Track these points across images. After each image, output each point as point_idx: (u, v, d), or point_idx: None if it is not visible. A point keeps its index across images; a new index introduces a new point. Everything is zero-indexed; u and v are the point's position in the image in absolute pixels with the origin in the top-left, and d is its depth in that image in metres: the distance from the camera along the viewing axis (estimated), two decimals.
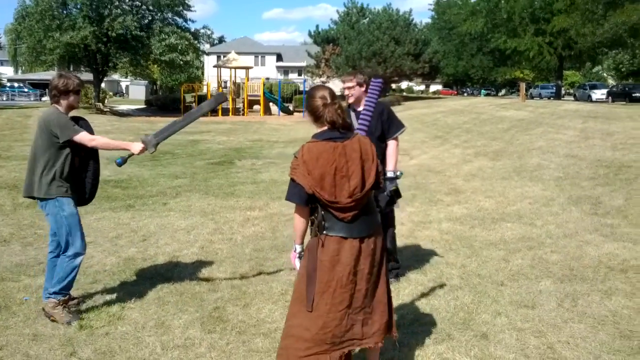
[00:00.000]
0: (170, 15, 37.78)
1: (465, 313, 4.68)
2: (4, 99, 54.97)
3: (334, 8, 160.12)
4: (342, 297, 3.11)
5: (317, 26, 51.97)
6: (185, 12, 38.18)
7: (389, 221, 5.44)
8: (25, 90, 63.54)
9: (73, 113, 4.64)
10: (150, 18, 37.28)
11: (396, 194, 5.12)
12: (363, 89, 5.03)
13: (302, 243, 3.29)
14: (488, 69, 50.75)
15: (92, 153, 4.69)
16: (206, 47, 56.09)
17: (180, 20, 38.34)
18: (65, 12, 34.52)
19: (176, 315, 4.61)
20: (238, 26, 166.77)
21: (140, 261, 6.12)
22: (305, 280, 3.14)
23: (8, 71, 67.26)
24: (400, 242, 6.71)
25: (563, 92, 46.79)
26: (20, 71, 59.32)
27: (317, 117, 3.19)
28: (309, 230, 3.28)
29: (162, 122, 29.36)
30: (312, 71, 51.39)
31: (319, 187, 3.04)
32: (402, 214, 8.15)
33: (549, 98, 42.12)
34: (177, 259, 6.20)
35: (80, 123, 4.60)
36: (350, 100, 5.05)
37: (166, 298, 5.00)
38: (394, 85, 54.23)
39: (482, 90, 65.51)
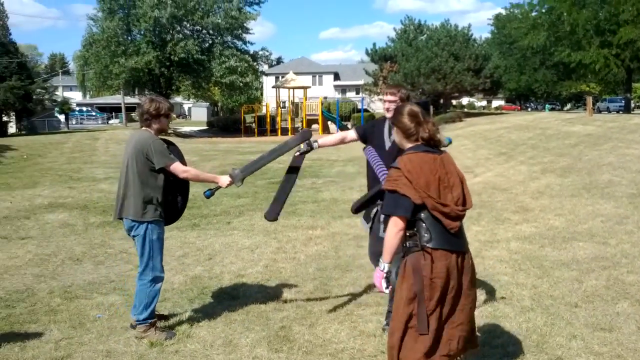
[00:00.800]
0: (229, 38, 38.72)
1: (538, 335, 4.49)
2: (74, 122, 57.42)
3: (390, 26, 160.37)
4: (449, 312, 3.06)
5: (374, 44, 52.21)
6: (244, 35, 39.07)
7: None
8: (93, 114, 66.29)
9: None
10: (210, 42, 38.30)
11: None
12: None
13: (391, 262, 3.11)
14: (552, 83, 49.42)
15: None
16: (265, 68, 57.04)
17: (239, 43, 39.27)
18: (129, 38, 35.93)
19: (243, 334, 4.62)
20: (295, 47, 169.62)
21: (206, 280, 6.21)
22: (411, 302, 3.01)
23: (77, 96, 70.42)
24: None
25: (632, 105, 45.02)
26: (88, 96, 62.00)
27: (409, 135, 3.18)
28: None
29: (223, 142, 30.01)
30: (369, 89, 51.42)
31: (428, 193, 2.96)
32: (468, 233, 7.95)
33: (617, 112, 40.61)
34: (242, 277, 6.25)
35: (171, 148, 4.67)
36: (390, 114, 4.55)
37: (233, 317, 5.03)
38: (454, 102, 53.53)
39: (547, 105, 63.82)
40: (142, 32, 35.29)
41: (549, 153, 15.76)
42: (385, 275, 3.13)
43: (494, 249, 7.17)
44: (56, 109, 53.24)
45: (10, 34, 59.31)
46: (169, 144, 4.73)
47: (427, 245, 3.00)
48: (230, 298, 5.57)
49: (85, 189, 13.72)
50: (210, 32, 37.93)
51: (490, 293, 5.52)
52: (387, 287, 3.17)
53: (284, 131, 35.82)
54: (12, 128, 38.29)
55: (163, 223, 4.69)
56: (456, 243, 3.05)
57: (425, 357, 3.00)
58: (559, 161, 14.16)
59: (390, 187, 3.02)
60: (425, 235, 3.00)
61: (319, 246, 7.45)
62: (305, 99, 37.54)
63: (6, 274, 6.30)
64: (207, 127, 44.35)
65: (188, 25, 37.10)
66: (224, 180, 4.72)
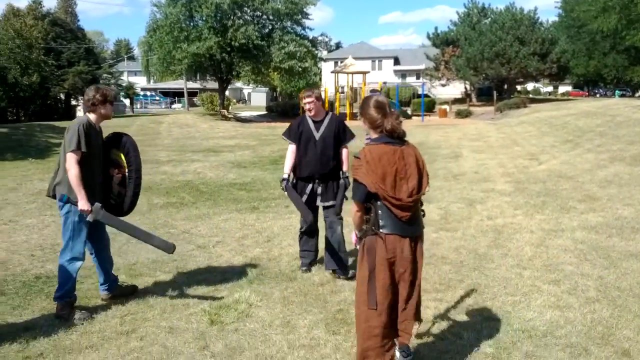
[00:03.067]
0: (289, 23, 38.71)
1: (603, 327, 4.34)
2: (138, 107, 59.12)
3: (452, 9, 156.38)
4: (406, 292, 3.40)
5: (436, 28, 51.01)
6: (303, 20, 39.00)
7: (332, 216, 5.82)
8: (157, 98, 68.04)
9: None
10: (270, 27, 38.43)
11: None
12: (320, 102, 5.72)
13: (361, 230, 3.46)
14: (623, 68, 47.08)
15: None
16: (324, 53, 57.02)
17: (299, 29, 39.18)
18: (192, 24, 36.43)
19: (301, 316, 4.66)
20: (355, 31, 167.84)
21: (265, 261, 6.28)
22: (366, 280, 3.34)
23: (141, 81, 72.26)
24: (530, 250, 6.42)
25: None
26: (152, 81, 63.51)
27: (375, 126, 3.43)
28: None
29: (281, 127, 30.21)
30: (430, 74, 50.54)
31: (382, 185, 3.26)
32: (532, 221, 7.77)
33: None
34: (299, 260, 6.28)
35: (124, 139, 4.97)
36: (312, 113, 5.70)
37: (291, 298, 5.08)
38: (518, 87, 51.99)
39: (617, 91, 61.08)
40: (203, 18, 35.68)
41: (619, 141, 15.13)
42: (357, 237, 3.56)
43: (558, 238, 6.96)
44: (121, 93, 55.02)
45: (78, 21, 61.63)
46: (122, 135, 4.98)
47: (381, 230, 3.33)
48: (288, 280, 5.62)
49: (149, 171, 14.10)
50: (270, 17, 38.01)
51: (554, 283, 5.36)
52: (357, 245, 3.58)
53: (342, 116, 35.72)
54: (79, 112, 39.69)
55: (100, 202, 4.72)
56: (407, 229, 3.36)
57: (378, 330, 3.32)
58: (629, 149, 13.59)
59: (353, 175, 3.38)
60: (380, 221, 3.33)
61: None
62: (364, 84, 37.27)
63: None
64: (266, 112, 44.70)
65: (248, 10, 37.28)
66: (84, 205, 4.50)
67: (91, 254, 5.01)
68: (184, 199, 10.21)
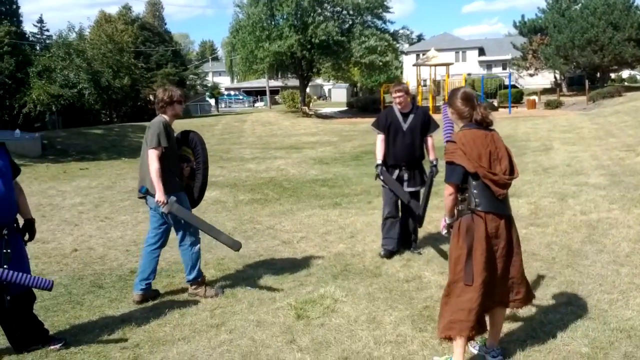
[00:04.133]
0: (369, 17, 38.52)
1: None
2: (223, 106, 60.80)
3: None
4: (502, 266, 3.55)
5: (523, 16, 48.87)
6: (384, 13, 38.70)
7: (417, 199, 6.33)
8: (241, 97, 69.66)
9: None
10: (350, 22, 38.39)
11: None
12: (409, 96, 6.20)
13: (451, 216, 3.67)
14: None
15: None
16: (405, 46, 56.27)
17: (379, 22, 38.91)
18: (273, 23, 36.98)
19: (387, 312, 4.62)
20: (437, 23, 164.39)
21: (349, 257, 6.28)
22: (464, 257, 3.47)
23: (225, 81, 74.22)
24: (628, 247, 6.09)
25: None
26: (235, 80, 65.05)
27: (463, 117, 3.63)
28: None
29: (363, 122, 30.17)
30: (518, 63, 48.77)
31: (480, 164, 3.44)
32: (629, 216, 7.35)
33: None
34: (381, 248, 6.25)
35: (191, 136, 5.25)
36: (400, 106, 6.14)
37: (376, 294, 5.05)
38: (613, 75, 49.27)
39: None
40: (284, 17, 36.14)
41: None
42: (446, 224, 3.76)
43: None
44: (207, 93, 56.77)
45: (165, 24, 64.17)
46: (189, 132, 5.25)
47: (478, 208, 3.47)
48: (373, 275, 5.59)
49: (234, 168, 14.49)
50: (350, 12, 37.95)
51: None
52: (446, 233, 3.80)
53: (426, 109, 35.17)
54: None
55: (184, 193, 5.05)
56: (503, 207, 3.53)
57: (469, 304, 3.44)
58: None
59: (447, 159, 3.53)
60: (476, 200, 3.48)
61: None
62: (448, 76, 36.52)
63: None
64: (346, 108, 44.76)
65: (328, 7, 37.41)
66: (160, 197, 4.75)
67: (153, 247, 5.17)
68: (268, 195, 10.39)
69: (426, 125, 6.19)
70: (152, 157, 4.77)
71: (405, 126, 6.12)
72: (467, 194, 3.52)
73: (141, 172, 5.07)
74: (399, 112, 6.17)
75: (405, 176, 6.19)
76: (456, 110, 3.64)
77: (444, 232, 3.83)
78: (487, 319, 3.66)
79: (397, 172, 6.19)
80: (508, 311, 3.95)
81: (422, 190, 6.30)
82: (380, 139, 6.21)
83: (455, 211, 3.64)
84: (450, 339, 3.53)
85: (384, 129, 6.18)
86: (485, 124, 3.58)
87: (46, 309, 4.94)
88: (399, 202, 6.29)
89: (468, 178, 3.50)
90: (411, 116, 6.14)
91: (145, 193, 4.89)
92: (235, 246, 5.15)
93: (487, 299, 3.50)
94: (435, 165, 6.18)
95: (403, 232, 6.34)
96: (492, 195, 3.47)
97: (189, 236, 5.08)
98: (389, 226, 6.28)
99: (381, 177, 6.16)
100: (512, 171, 3.56)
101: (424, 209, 6.23)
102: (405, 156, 6.12)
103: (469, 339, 3.56)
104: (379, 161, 6.18)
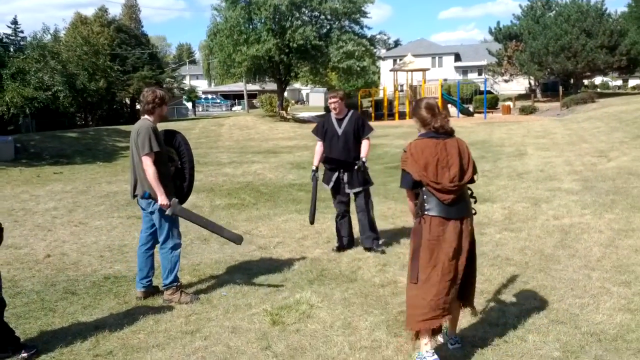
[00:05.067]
0: (347, 23, 38.71)
1: None
2: (200, 110, 60.51)
3: (515, 3, 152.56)
4: (450, 270, 3.72)
5: (498, 22, 49.46)
6: (361, 19, 38.92)
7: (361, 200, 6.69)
8: (218, 101, 69.42)
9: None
10: (328, 27, 38.53)
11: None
12: (343, 102, 6.63)
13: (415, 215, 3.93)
14: None
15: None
16: (382, 51, 56.64)
17: (357, 28, 39.11)
18: (251, 26, 36.94)
19: (362, 317, 4.64)
20: (414, 28, 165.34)
21: (325, 262, 6.30)
22: (411, 257, 3.80)
23: (203, 84, 73.86)
24: (599, 251, 6.18)
25: None
26: (213, 84, 64.74)
27: (425, 124, 3.88)
28: None
29: None
30: (493, 69, 49.36)
31: (424, 173, 3.71)
32: (600, 221, 7.48)
33: None
34: (359, 261, 6.27)
35: (177, 137, 5.34)
36: (336, 112, 6.59)
37: (351, 299, 5.07)
38: (586, 82, 50.10)
39: None
40: (262, 21, 36.12)
41: None
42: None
43: (629, 238, 6.67)
44: (184, 97, 56.42)
45: (142, 27, 63.52)
46: (172, 132, 5.34)
47: (426, 213, 3.76)
48: (349, 281, 5.61)
49: (211, 172, 14.42)
50: (328, 17, 38.07)
51: (625, 285, 5.14)
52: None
53: (402, 115, 35.41)
54: None
55: (174, 196, 5.09)
56: (451, 212, 3.75)
57: (417, 301, 3.72)
58: None
59: (401, 166, 3.86)
60: (426, 204, 3.77)
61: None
62: (424, 82, 36.83)
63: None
64: (324, 112, 44.83)
65: (306, 11, 37.49)
66: (163, 200, 4.90)
67: (146, 247, 5.29)
68: (245, 200, 10.37)
69: (360, 128, 6.57)
70: (148, 163, 4.86)
71: (340, 131, 6.55)
72: (419, 199, 3.83)
73: (134, 175, 5.09)
74: (335, 118, 6.62)
75: (345, 178, 6.57)
76: (420, 119, 3.91)
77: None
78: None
79: (336, 174, 6.59)
80: (483, 315, 4.00)
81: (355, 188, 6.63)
82: (319, 145, 6.68)
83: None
84: (414, 332, 3.81)
85: (321, 136, 6.64)
86: (443, 131, 3.83)
87: (17, 315, 4.86)
88: (348, 201, 6.73)
89: (420, 184, 3.77)
90: (346, 120, 6.58)
91: (149, 198, 4.98)
92: (238, 240, 5.37)
93: (437, 300, 3.70)
94: (364, 162, 6.51)
95: (363, 227, 6.67)
96: (438, 200, 3.73)
97: (170, 240, 5.13)
98: (342, 224, 6.73)
99: (312, 180, 6.56)
100: (461, 177, 3.76)
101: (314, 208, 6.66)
102: (342, 159, 6.52)
103: (434, 332, 3.86)
104: (314, 167, 6.63)
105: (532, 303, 4.80)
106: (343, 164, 6.54)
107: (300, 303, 4.94)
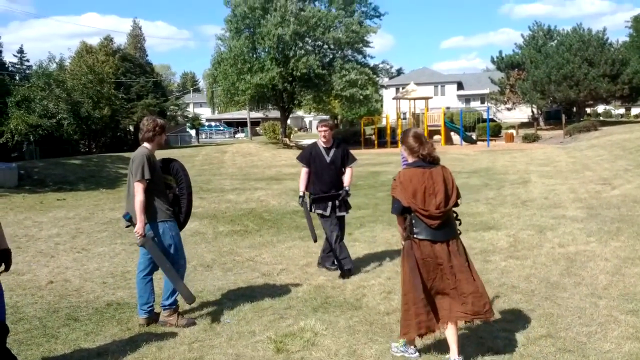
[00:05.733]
0: (350, 52, 39.10)
1: None
2: (203, 137, 60.77)
3: (516, 32, 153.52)
4: (445, 284, 4.09)
5: (500, 52, 49.89)
6: (364, 48, 39.30)
7: (343, 223, 7.08)
8: (221, 128, 69.81)
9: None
10: (331, 56, 38.90)
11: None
12: (332, 131, 6.99)
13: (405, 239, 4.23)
14: None
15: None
16: (385, 80, 57.00)
17: (359, 57, 39.50)
18: (255, 55, 37.31)
19: (367, 345, 4.58)
20: (416, 57, 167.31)
21: (329, 289, 6.25)
22: (410, 275, 4.09)
23: (206, 112, 74.41)
24: (605, 279, 6.14)
25: None
26: (216, 111, 65.29)
27: (413, 152, 4.19)
28: None
29: None
30: (496, 98, 49.67)
31: (413, 200, 4.03)
32: (606, 249, 7.43)
33: None
34: (364, 288, 6.22)
35: (173, 165, 5.38)
36: (325, 140, 6.88)
37: (356, 327, 5.01)
38: (588, 110, 50.31)
39: None
40: (266, 50, 36.50)
41: None
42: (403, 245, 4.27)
43: (635, 266, 6.62)
44: (188, 124, 56.73)
45: (147, 56, 64.23)
46: (169, 160, 5.39)
47: (415, 236, 4.09)
48: (353, 308, 5.56)
49: (214, 199, 14.41)
50: (331, 46, 38.47)
51: (633, 313, 5.08)
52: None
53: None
54: None
55: (174, 221, 5.19)
56: (437, 235, 4.07)
57: (412, 314, 4.06)
58: None
59: (391, 193, 4.20)
60: (415, 229, 4.09)
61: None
62: (427, 110, 37.03)
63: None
64: None
65: (310, 41, 37.88)
66: (140, 229, 4.92)
67: (144, 273, 5.30)
68: (248, 227, 10.34)
69: (345, 157, 6.95)
70: (138, 190, 4.92)
71: (328, 159, 6.85)
72: (408, 223, 4.13)
73: (128, 202, 5.17)
74: (322, 147, 6.90)
75: (337, 203, 6.84)
76: (408, 147, 4.22)
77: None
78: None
79: (330, 203, 6.82)
80: (489, 343, 3.94)
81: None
82: (304, 171, 6.91)
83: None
84: (406, 335, 4.19)
85: (308, 163, 6.88)
86: (430, 159, 4.15)
87: (20, 342, 4.82)
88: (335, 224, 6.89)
89: (409, 209, 4.08)
90: (333, 150, 6.90)
91: (129, 221, 5.02)
92: (189, 299, 5.23)
93: (428, 311, 4.08)
94: (347, 190, 6.91)
95: (332, 250, 6.87)
96: (426, 225, 4.05)
97: (175, 263, 5.18)
98: (342, 247, 6.85)
99: (302, 206, 6.89)
100: (446, 203, 4.07)
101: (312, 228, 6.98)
102: (332, 186, 6.82)
103: (420, 335, 4.21)
104: (301, 193, 6.90)
105: (538, 331, 4.75)
106: (334, 191, 6.84)
107: (305, 331, 4.89)
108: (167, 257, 5.15)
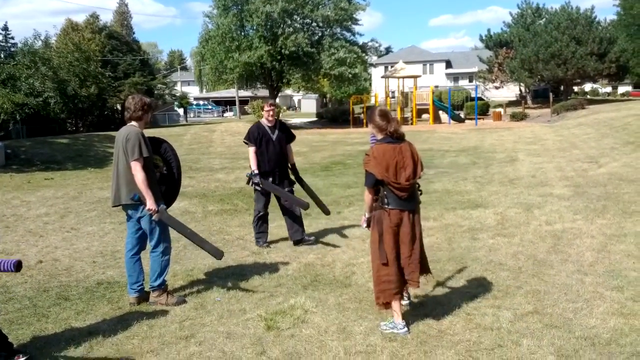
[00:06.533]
0: (339, 30, 38.82)
1: None
2: (191, 116, 60.39)
3: (505, 10, 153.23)
4: (408, 251, 4.45)
5: (489, 30, 49.78)
6: (353, 26, 39.06)
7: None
8: (209, 107, 69.32)
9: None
10: (320, 34, 38.64)
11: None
12: (277, 109, 7.34)
13: (370, 212, 4.56)
14: None
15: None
16: (373, 58, 56.77)
17: (348, 35, 39.26)
18: (243, 33, 36.97)
19: (357, 322, 4.64)
20: (405, 35, 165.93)
21: (319, 267, 6.29)
22: (377, 241, 4.42)
23: (194, 90, 73.70)
24: (591, 256, 6.23)
25: None
26: (204, 90, 64.74)
27: (381, 129, 4.47)
28: None
29: (332, 133, 30.31)
30: (484, 76, 49.62)
31: (386, 173, 4.32)
32: (592, 226, 7.53)
33: None
34: (353, 266, 6.27)
35: (164, 146, 5.42)
36: (270, 120, 7.27)
37: (346, 304, 5.07)
38: (576, 88, 50.43)
39: None
40: (254, 27, 36.14)
41: None
42: (366, 219, 4.66)
43: (620, 243, 6.72)
44: (175, 103, 56.31)
45: (133, 33, 63.51)
46: (161, 141, 5.43)
47: (386, 206, 4.41)
48: (343, 286, 5.61)
49: (203, 178, 14.38)
50: (320, 24, 38.17)
51: (618, 289, 5.17)
52: (365, 226, 4.69)
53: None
54: None
55: (162, 201, 5.16)
56: (406, 205, 4.43)
57: (387, 278, 4.39)
58: None
59: (364, 167, 4.45)
60: (385, 199, 4.41)
61: (431, 238, 7.31)
62: (416, 88, 36.97)
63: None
64: (316, 119, 44.87)
65: (298, 18, 37.54)
66: (152, 205, 4.93)
67: (132, 252, 5.32)
68: (238, 206, 10.35)
69: (288, 136, 7.37)
70: (137, 169, 4.90)
71: (274, 137, 7.20)
72: (379, 195, 4.43)
73: (115, 182, 5.12)
74: (267, 126, 7.24)
75: (277, 180, 7.21)
76: (376, 125, 4.49)
77: (364, 225, 4.70)
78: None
79: (271, 178, 7.17)
80: (477, 319, 3.98)
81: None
82: (252, 150, 7.15)
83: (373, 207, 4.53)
84: (385, 305, 4.45)
85: (255, 142, 7.14)
86: (396, 136, 4.46)
87: (10, 321, 4.83)
88: (270, 201, 7.39)
89: (381, 182, 4.36)
90: (277, 129, 7.26)
91: (137, 201, 4.99)
92: (218, 255, 5.37)
93: (399, 272, 4.44)
94: (294, 166, 7.49)
95: (291, 223, 7.36)
96: (396, 196, 4.38)
97: (162, 244, 5.22)
98: (262, 223, 7.36)
99: (259, 183, 7.07)
100: (414, 176, 4.41)
101: (319, 201, 7.65)
102: (276, 163, 7.18)
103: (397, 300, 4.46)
104: (255, 170, 7.09)
105: (525, 308, 4.82)
106: (278, 167, 7.23)
107: (295, 308, 4.93)
108: (152, 238, 5.19)
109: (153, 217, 5.01)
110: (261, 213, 7.33)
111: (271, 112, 7.27)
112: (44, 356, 4.15)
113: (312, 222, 8.64)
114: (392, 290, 4.39)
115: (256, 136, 7.17)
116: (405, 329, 4.39)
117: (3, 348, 4.05)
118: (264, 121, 7.33)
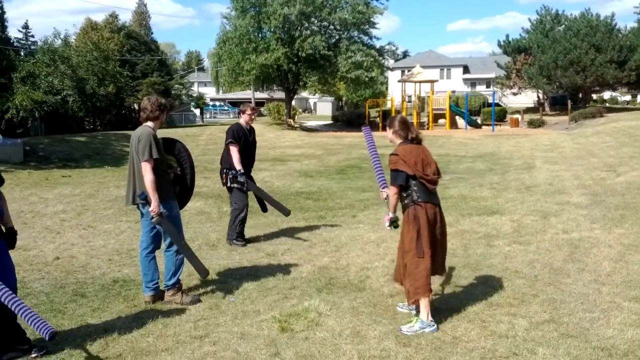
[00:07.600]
0: (356, 33, 38.78)
1: None
2: (208, 116, 60.67)
3: (523, 16, 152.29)
4: (441, 247, 4.76)
5: (507, 35, 49.39)
6: (370, 29, 38.99)
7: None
8: (226, 108, 69.59)
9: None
10: (337, 37, 38.62)
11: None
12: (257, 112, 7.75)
13: (394, 212, 4.73)
14: None
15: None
16: (390, 62, 56.62)
17: (365, 38, 39.18)
18: (260, 35, 37.07)
19: (371, 326, 4.63)
20: (422, 40, 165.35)
21: (333, 270, 6.29)
22: (415, 238, 4.53)
23: (211, 91, 74.02)
24: (609, 266, 6.16)
25: None
26: (221, 91, 65.02)
27: (400, 136, 4.77)
28: None
29: (347, 137, 30.30)
30: (501, 82, 49.28)
31: (417, 168, 4.58)
32: (610, 235, 7.45)
33: None
34: (368, 270, 6.26)
35: (177, 145, 5.52)
36: (250, 123, 7.70)
37: (360, 308, 5.06)
38: (594, 96, 49.95)
39: None
40: (271, 30, 36.24)
41: None
42: (389, 218, 4.77)
43: (639, 253, 6.63)
44: (192, 103, 56.59)
45: (152, 33, 63.93)
46: (174, 141, 5.52)
47: (419, 200, 4.58)
48: (357, 290, 5.60)
49: (218, 179, 14.38)
50: (337, 27, 38.14)
51: (636, 300, 5.11)
52: (389, 226, 4.78)
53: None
54: None
55: (176, 201, 5.25)
56: (435, 198, 4.72)
57: (425, 272, 4.53)
58: None
59: (393, 167, 4.65)
60: (415, 195, 4.59)
61: (447, 244, 7.25)
62: (432, 93, 36.87)
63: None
64: (331, 122, 44.87)
65: (315, 21, 37.54)
66: (155, 207, 4.93)
67: (147, 251, 5.35)
68: (252, 207, 10.32)
69: (255, 140, 7.83)
70: (147, 169, 4.91)
71: (250, 139, 7.63)
72: (409, 191, 4.61)
73: (131, 181, 5.15)
74: (246, 128, 7.59)
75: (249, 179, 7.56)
76: (396, 132, 4.78)
77: (387, 224, 4.79)
78: None
79: (244, 177, 7.44)
80: (492, 326, 3.96)
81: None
82: (237, 150, 7.35)
83: (401, 205, 4.70)
84: (416, 302, 4.58)
85: (239, 142, 7.39)
86: (417, 140, 4.76)
87: None
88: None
89: (409, 180, 4.58)
90: (252, 131, 7.72)
91: (145, 200, 5.01)
92: (203, 274, 5.41)
93: (433, 267, 4.62)
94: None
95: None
96: (426, 190, 4.60)
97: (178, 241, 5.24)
98: (243, 223, 7.58)
99: (245, 183, 7.36)
100: (438, 172, 4.72)
101: (277, 203, 7.77)
102: (249, 164, 7.64)
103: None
104: (242, 170, 7.34)
105: (541, 316, 4.78)
106: (250, 168, 7.73)
107: (309, 311, 4.93)
108: (166, 237, 5.22)
109: (152, 220, 5.03)
110: (243, 214, 7.53)
111: (253, 116, 7.73)
112: (60, 351, 4.19)
113: (327, 225, 8.63)
114: (428, 285, 4.55)
115: (239, 136, 7.45)
116: (435, 325, 4.55)
117: (21, 342, 4.09)
118: (242, 123, 7.64)
